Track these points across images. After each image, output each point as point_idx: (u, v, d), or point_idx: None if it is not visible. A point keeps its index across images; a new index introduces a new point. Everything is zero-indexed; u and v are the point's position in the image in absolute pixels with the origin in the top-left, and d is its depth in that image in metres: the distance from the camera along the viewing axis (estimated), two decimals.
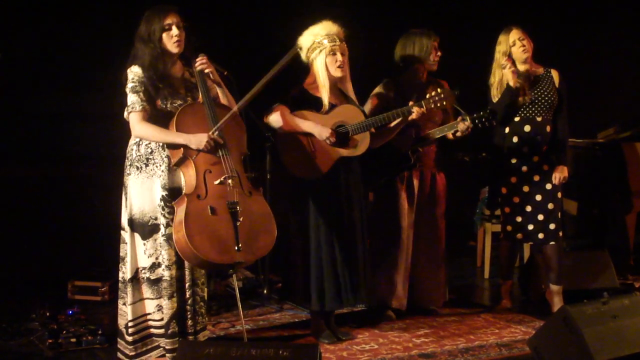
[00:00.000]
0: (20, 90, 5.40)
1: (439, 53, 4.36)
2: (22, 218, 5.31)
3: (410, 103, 4.01)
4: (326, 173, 3.90)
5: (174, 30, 3.42)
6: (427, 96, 4.00)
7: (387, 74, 4.48)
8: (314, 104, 3.96)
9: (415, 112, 3.99)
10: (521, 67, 4.40)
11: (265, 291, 4.89)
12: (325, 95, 3.94)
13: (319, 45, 3.91)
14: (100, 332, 3.90)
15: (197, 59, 3.51)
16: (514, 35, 4.39)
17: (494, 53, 4.45)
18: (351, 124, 3.94)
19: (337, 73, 3.93)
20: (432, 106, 3.99)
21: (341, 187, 3.96)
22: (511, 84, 4.34)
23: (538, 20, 4.51)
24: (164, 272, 3.41)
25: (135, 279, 3.46)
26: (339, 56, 3.91)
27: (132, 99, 3.39)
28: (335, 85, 4.01)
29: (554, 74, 4.48)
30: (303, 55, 3.99)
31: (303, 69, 4.04)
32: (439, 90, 4.00)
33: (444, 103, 4.00)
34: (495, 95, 4.45)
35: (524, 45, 4.37)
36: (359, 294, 3.96)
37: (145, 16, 3.46)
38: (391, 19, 5.98)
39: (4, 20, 5.23)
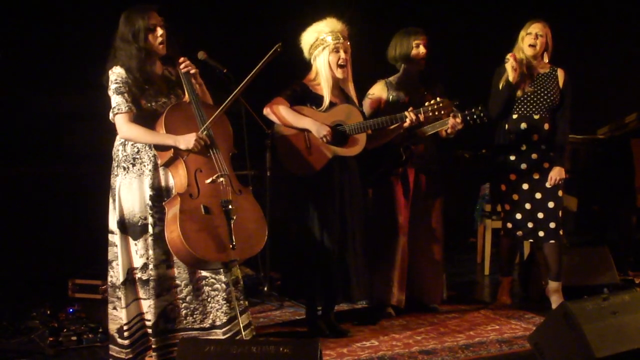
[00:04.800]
0: (20, 89, 5.41)
1: (422, 50, 4.32)
2: (23, 216, 5.31)
3: (410, 109, 4.00)
4: (320, 171, 3.90)
5: (159, 31, 3.38)
6: (427, 104, 3.99)
7: (386, 74, 4.48)
8: (314, 100, 3.96)
9: (409, 119, 3.97)
10: (531, 61, 4.40)
11: (265, 288, 4.90)
12: (327, 92, 3.94)
13: (322, 42, 3.91)
14: (100, 330, 3.91)
15: (181, 62, 3.47)
16: (534, 28, 4.37)
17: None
18: (349, 124, 3.95)
19: (339, 73, 3.93)
20: (430, 114, 3.98)
21: (335, 185, 3.96)
22: (510, 79, 4.33)
23: (538, 16, 4.48)
24: (151, 272, 3.38)
25: (128, 281, 3.42)
26: (342, 54, 3.90)
27: (117, 100, 3.33)
28: (337, 84, 4.01)
29: (560, 73, 4.45)
30: (305, 52, 4.00)
31: (302, 64, 4.04)
32: (438, 99, 3.98)
33: (442, 112, 3.99)
34: (505, 79, 4.39)
35: (534, 43, 4.35)
36: (352, 291, 3.97)
37: (125, 16, 3.39)
38: (393, 18, 5.98)
39: (4, 20, 5.23)
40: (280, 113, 3.89)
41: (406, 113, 3.98)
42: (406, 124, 4.00)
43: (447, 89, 4.50)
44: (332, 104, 3.97)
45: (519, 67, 4.34)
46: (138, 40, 3.35)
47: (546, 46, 4.40)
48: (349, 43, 3.95)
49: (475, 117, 4.13)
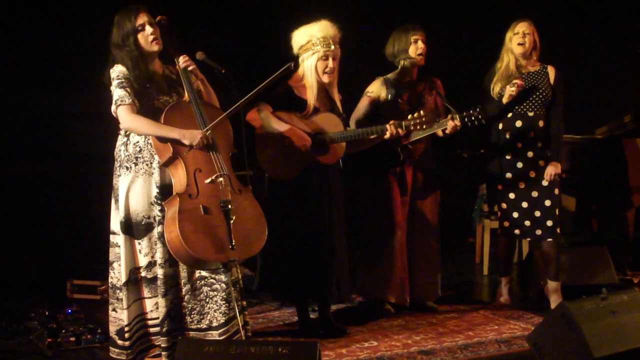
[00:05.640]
0: (20, 89, 5.40)
1: (421, 46, 4.32)
2: (22, 216, 5.31)
3: (391, 122, 3.99)
4: (298, 176, 3.91)
5: (148, 29, 3.38)
6: (409, 117, 3.97)
7: (384, 71, 4.48)
8: (298, 105, 3.96)
9: (389, 132, 3.97)
10: (520, 61, 4.41)
11: None
12: (311, 97, 3.95)
13: (312, 47, 3.92)
14: (99, 330, 3.91)
15: (180, 59, 3.47)
16: (520, 27, 4.40)
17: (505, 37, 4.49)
18: (329, 133, 3.96)
19: (326, 78, 3.95)
20: (412, 128, 3.98)
21: (313, 191, 3.96)
22: (504, 100, 4.34)
23: (536, 16, 4.50)
24: (158, 271, 3.38)
25: (130, 281, 3.42)
26: (330, 62, 3.91)
27: (120, 93, 3.34)
28: (322, 88, 4.01)
29: (550, 70, 4.47)
30: (294, 49, 4.00)
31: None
32: (422, 112, 3.97)
33: (424, 126, 3.97)
34: (497, 82, 4.43)
35: (523, 41, 4.37)
36: (328, 292, 3.98)
37: (115, 22, 3.41)
38: (390, 16, 5.98)
39: (5, 20, 5.23)
40: (263, 119, 3.89)
41: (387, 126, 3.97)
42: (386, 137, 4.01)
43: (445, 86, 4.51)
44: (315, 109, 3.98)
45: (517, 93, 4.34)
46: (128, 43, 3.37)
47: (534, 44, 4.43)
48: (339, 49, 3.95)
49: (473, 118, 4.14)
